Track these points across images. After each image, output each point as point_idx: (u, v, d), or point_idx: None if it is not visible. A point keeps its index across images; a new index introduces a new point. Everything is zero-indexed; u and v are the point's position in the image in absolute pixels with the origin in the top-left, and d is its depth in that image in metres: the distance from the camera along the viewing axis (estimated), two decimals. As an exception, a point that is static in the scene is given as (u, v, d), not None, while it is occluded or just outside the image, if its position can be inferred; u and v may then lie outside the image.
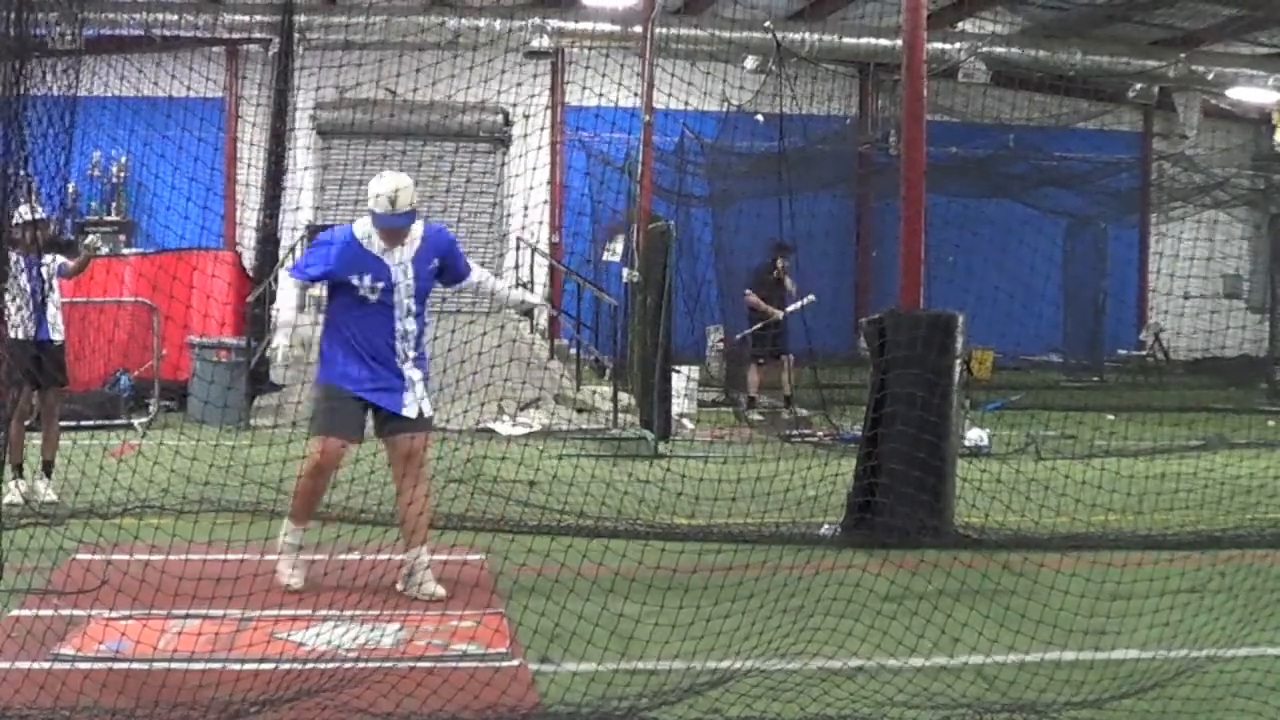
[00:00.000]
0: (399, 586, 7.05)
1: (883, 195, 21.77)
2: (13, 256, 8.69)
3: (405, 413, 7.00)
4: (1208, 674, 5.45)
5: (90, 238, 10.47)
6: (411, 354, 7.05)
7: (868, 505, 8.72)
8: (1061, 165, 22.77)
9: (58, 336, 9.76)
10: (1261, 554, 8.29)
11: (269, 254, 17.15)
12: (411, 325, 7.03)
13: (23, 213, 7.67)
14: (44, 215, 8.31)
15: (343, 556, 7.36)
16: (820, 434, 14.16)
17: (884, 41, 20.09)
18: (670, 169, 19.80)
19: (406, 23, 19.28)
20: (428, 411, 7.11)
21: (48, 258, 9.30)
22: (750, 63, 20.44)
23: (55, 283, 9.70)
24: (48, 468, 9.56)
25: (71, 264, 9.93)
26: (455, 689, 5.18)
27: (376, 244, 7.01)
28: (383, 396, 7.00)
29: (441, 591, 6.94)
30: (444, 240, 7.26)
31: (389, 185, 6.94)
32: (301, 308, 7.46)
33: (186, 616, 6.33)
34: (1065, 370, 23.08)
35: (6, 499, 8.75)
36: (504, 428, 14.32)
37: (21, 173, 6.01)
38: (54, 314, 9.60)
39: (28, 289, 8.34)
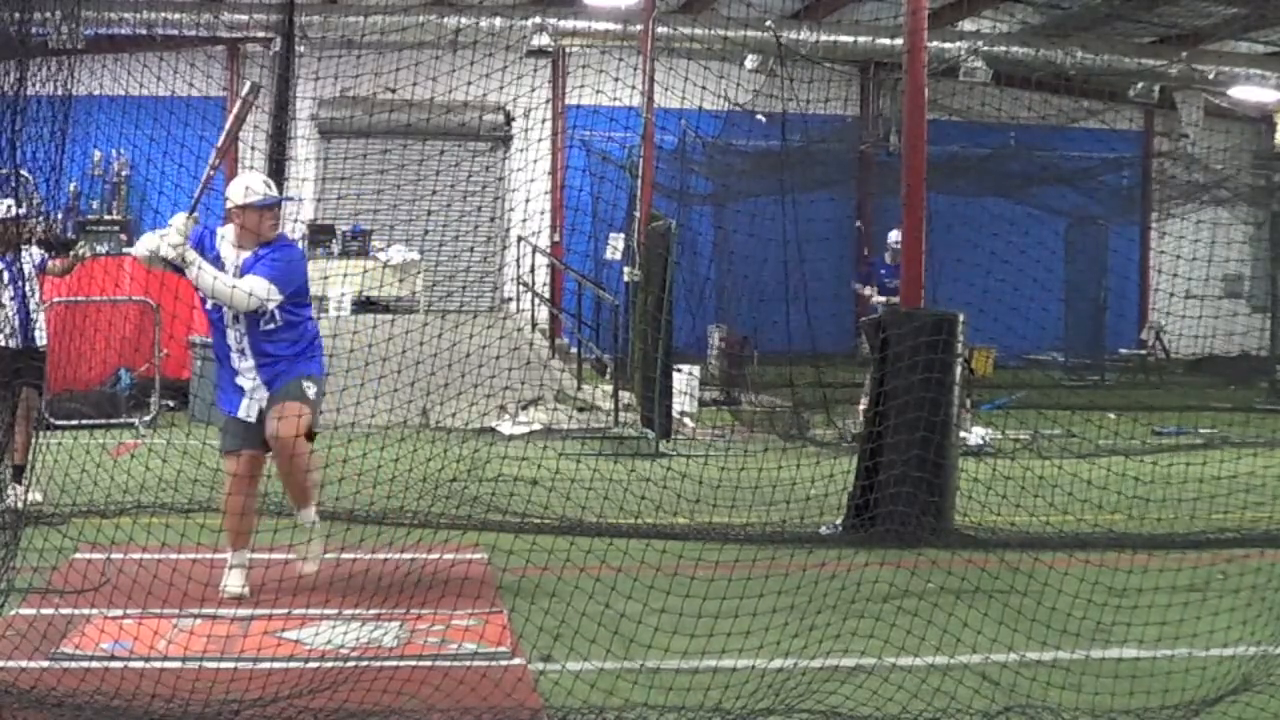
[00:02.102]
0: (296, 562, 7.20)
1: (884, 194, 21.76)
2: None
3: (241, 416, 7.05)
4: (1209, 673, 5.45)
5: (81, 248, 10.40)
6: (247, 361, 7.04)
7: (868, 504, 8.73)
8: (1063, 164, 22.76)
9: (42, 341, 9.66)
10: (1262, 553, 8.29)
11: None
12: (238, 331, 7.02)
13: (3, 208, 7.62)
14: (20, 214, 8.18)
15: (343, 557, 7.37)
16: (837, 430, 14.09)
17: (885, 40, 20.07)
18: (671, 168, 19.79)
19: (407, 21, 19.28)
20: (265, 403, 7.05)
21: (32, 252, 9.22)
22: (751, 62, 20.42)
23: (35, 281, 9.59)
24: (18, 472, 9.42)
25: (57, 264, 9.87)
26: (456, 688, 5.19)
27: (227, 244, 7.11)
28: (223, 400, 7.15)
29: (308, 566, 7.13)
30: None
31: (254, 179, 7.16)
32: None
33: (188, 616, 6.33)
34: (1066, 369, 23.06)
35: (14, 500, 8.77)
36: (505, 427, 14.32)
37: (12, 171, 5.99)
38: (36, 316, 9.46)
39: (10, 290, 8.29)
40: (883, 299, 15.61)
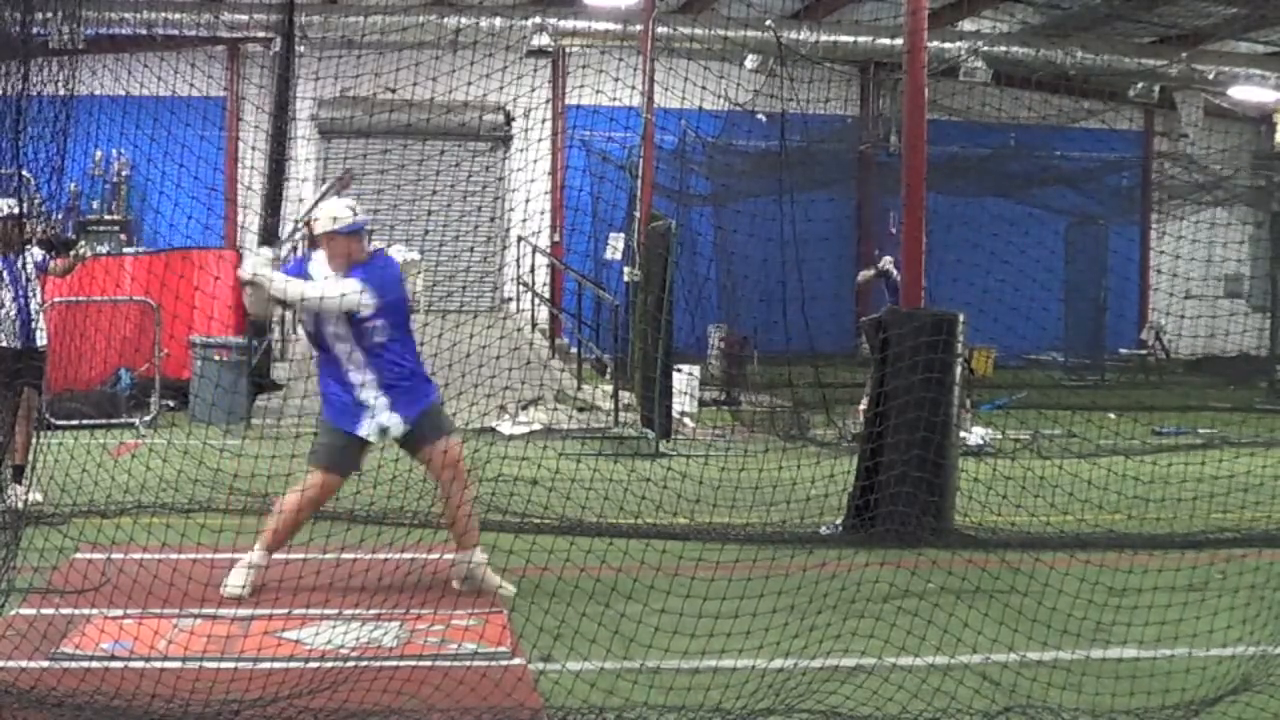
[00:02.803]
0: (455, 585, 7.17)
1: (884, 194, 21.77)
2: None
3: (363, 434, 7.07)
4: (1208, 673, 5.45)
5: (82, 247, 10.42)
6: (366, 378, 7.06)
7: (868, 504, 8.73)
8: (1063, 164, 22.76)
9: (42, 341, 9.67)
10: (1260, 552, 8.29)
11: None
12: (347, 348, 7.06)
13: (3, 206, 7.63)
14: (18, 212, 8.19)
15: (343, 557, 7.37)
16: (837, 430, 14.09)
17: (885, 40, 20.08)
18: (671, 168, 19.79)
19: (407, 21, 19.28)
20: (396, 429, 7.09)
21: (34, 252, 9.23)
22: (751, 62, 20.42)
23: (37, 281, 9.60)
24: (18, 473, 9.44)
25: (59, 264, 9.87)
26: (456, 688, 5.19)
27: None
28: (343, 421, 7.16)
29: (510, 588, 7.10)
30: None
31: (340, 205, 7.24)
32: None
33: (188, 616, 6.34)
34: (1066, 369, 23.07)
35: (14, 500, 8.78)
36: (505, 427, 14.32)
37: (14, 172, 6.00)
38: (37, 316, 9.47)
39: (10, 291, 8.30)
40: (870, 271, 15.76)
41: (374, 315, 7.03)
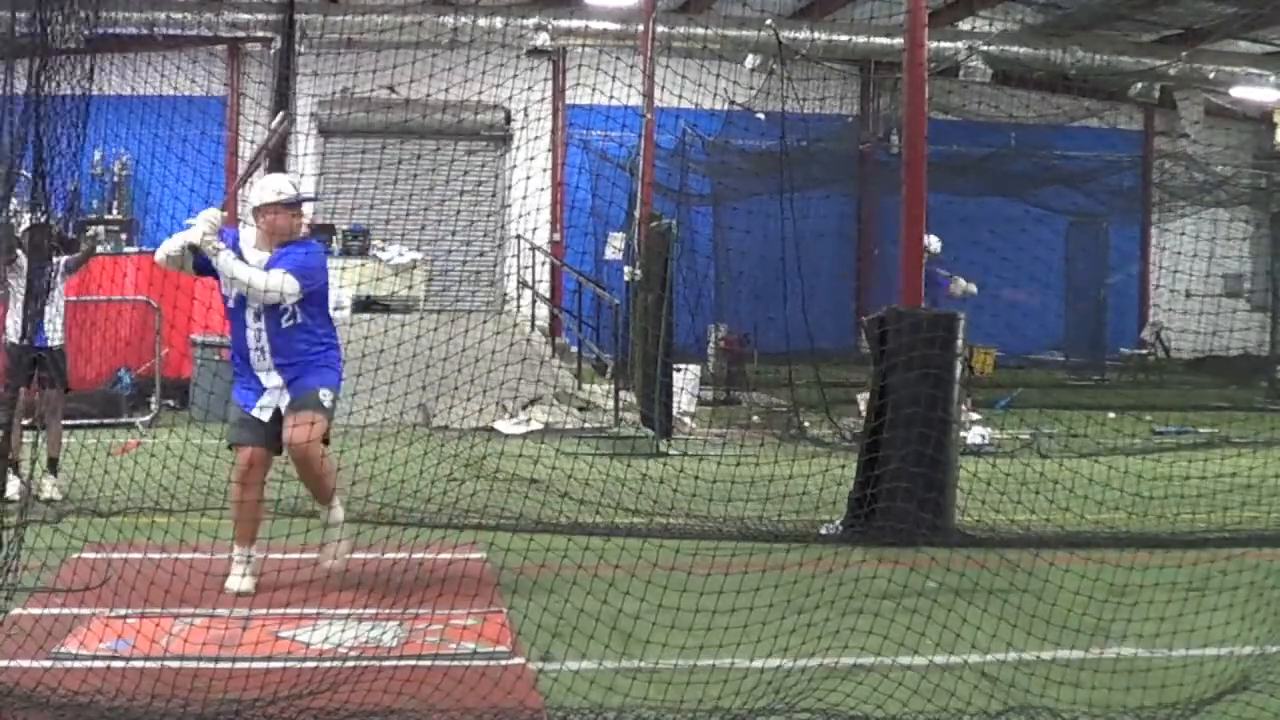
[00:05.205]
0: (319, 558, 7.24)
1: (884, 194, 21.76)
2: (20, 261, 8.73)
3: (254, 413, 7.11)
4: (1208, 670, 5.45)
5: (94, 229, 10.50)
6: (266, 361, 7.09)
7: (869, 503, 8.73)
8: (1063, 163, 22.76)
9: (58, 340, 9.75)
10: (1263, 551, 8.29)
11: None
12: (258, 329, 7.08)
13: (29, 218, 7.67)
14: (42, 219, 8.27)
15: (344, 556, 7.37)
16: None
17: (885, 40, 20.08)
18: (672, 167, 19.79)
19: (407, 21, 19.28)
20: (284, 407, 7.10)
21: (58, 260, 9.30)
22: (751, 61, 20.43)
23: (60, 284, 9.71)
24: (53, 465, 9.60)
25: (74, 258, 9.93)
26: (456, 687, 5.19)
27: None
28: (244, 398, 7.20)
29: (331, 563, 7.18)
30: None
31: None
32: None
33: (188, 615, 6.34)
34: (1067, 369, 23.07)
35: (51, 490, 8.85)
36: (506, 426, 14.33)
37: (29, 174, 6.01)
38: (54, 317, 9.59)
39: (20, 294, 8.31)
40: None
41: (294, 304, 7.06)
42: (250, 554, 7.11)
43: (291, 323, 7.08)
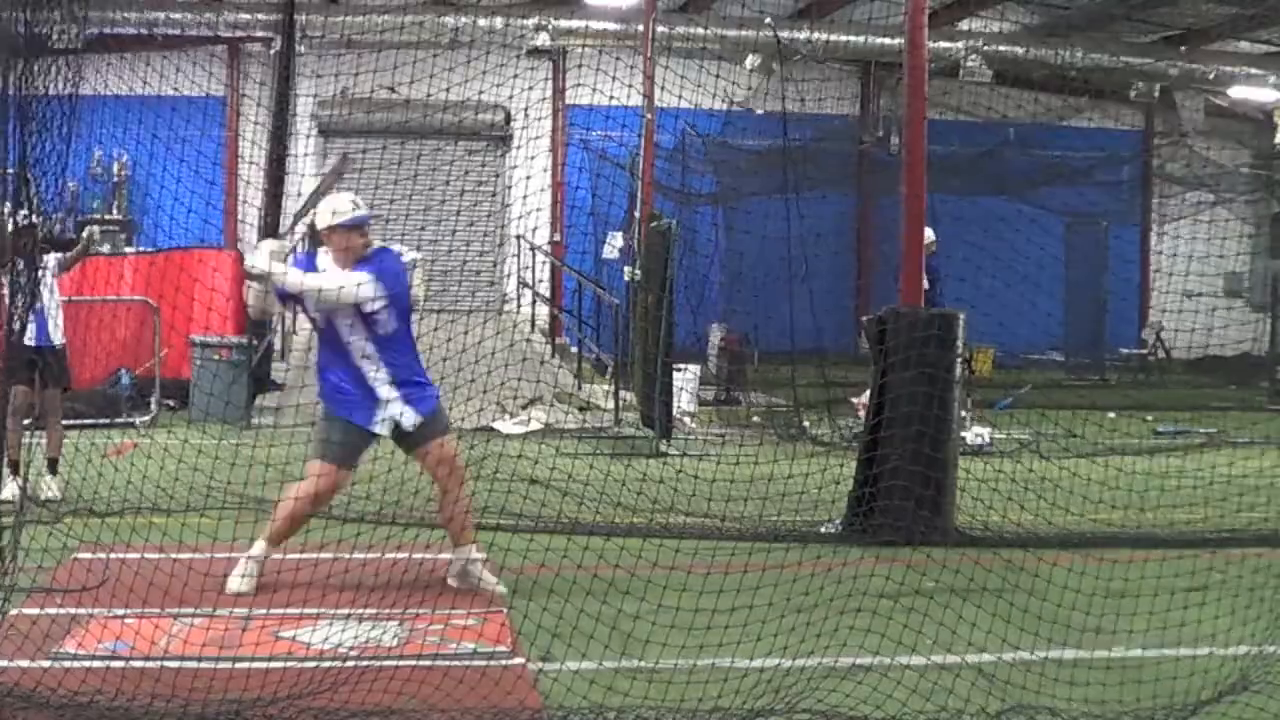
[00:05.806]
0: (451, 582, 7.18)
1: (884, 193, 21.75)
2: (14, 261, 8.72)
3: (375, 429, 7.08)
4: (1208, 671, 5.45)
5: (90, 228, 10.49)
6: (379, 372, 7.08)
7: (869, 503, 8.73)
8: (1063, 163, 22.76)
9: (59, 339, 9.77)
10: (1263, 551, 8.29)
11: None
12: (360, 342, 7.07)
13: (18, 218, 7.65)
14: (33, 221, 8.27)
15: (344, 556, 7.36)
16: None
17: (886, 40, 20.08)
18: (672, 166, 19.78)
19: (407, 21, 19.28)
20: (409, 423, 7.09)
21: (48, 259, 9.30)
22: (751, 61, 20.43)
23: (55, 283, 9.71)
24: (52, 465, 9.61)
25: (66, 256, 9.93)
26: (456, 687, 5.19)
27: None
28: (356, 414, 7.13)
29: (502, 587, 7.08)
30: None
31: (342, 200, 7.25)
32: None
33: (188, 615, 6.34)
34: (1067, 369, 23.07)
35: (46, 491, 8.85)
36: (506, 426, 14.32)
37: (16, 172, 6.00)
38: (54, 315, 9.60)
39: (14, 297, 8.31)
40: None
41: (383, 308, 7.05)
42: (268, 554, 7.10)
43: (387, 330, 7.08)
